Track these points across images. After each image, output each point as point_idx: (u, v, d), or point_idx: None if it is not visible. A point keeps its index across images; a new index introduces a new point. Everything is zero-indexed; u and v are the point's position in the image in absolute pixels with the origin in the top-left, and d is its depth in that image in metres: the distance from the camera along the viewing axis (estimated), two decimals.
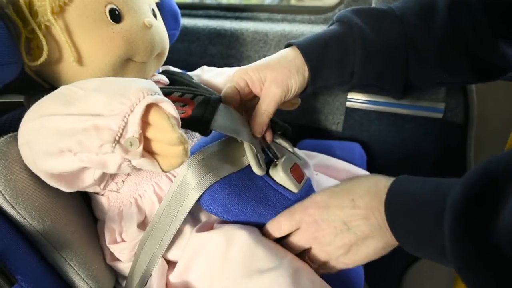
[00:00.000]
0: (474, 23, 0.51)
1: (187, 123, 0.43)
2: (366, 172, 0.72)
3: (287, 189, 0.49)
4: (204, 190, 0.43)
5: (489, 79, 0.59)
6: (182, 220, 0.45)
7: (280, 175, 0.49)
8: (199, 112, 0.45)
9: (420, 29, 0.53)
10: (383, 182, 0.41)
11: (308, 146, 0.81)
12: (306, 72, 0.52)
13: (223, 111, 0.47)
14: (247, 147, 0.47)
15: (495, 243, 0.28)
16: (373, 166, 0.87)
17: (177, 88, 0.50)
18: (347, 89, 0.57)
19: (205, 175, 0.44)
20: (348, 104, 0.87)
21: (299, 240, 0.46)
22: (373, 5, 0.77)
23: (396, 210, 0.38)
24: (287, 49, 0.53)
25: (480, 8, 0.50)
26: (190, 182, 0.44)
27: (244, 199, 0.46)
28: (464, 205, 0.31)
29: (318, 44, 0.53)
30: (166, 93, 0.48)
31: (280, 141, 0.56)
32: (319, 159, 0.72)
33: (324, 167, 0.71)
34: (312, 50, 0.52)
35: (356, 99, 0.86)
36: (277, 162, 0.50)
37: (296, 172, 0.51)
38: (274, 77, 0.50)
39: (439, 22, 0.52)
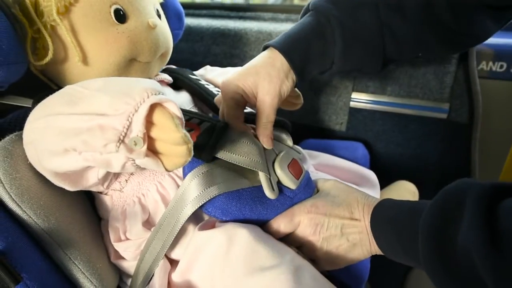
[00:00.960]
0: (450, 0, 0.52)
1: None
2: (369, 172, 0.72)
3: (285, 186, 0.49)
4: (202, 203, 0.44)
5: (465, 49, 0.65)
6: (181, 225, 0.45)
7: (277, 173, 0.49)
8: (204, 139, 0.46)
9: (395, 12, 0.53)
10: (374, 202, 0.47)
11: (311, 145, 0.81)
12: (294, 76, 0.52)
13: (230, 137, 0.48)
14: (260, 170, 0.47)
15: (456, 256, 0.33)
16: (377, 166, 0.87)
17: (185, 112, 0.50)
18: (326, 77, 0.58)
19: (207, 188, 0.44)
20: (352, 104, 0.87)
21: (293, 239, 0.48)
22: None
23: (380, 228, 0.45)
24: (270, 54, 0.52)
25: None
26: (191, 194, 0.44)
27: (242, 201, 0.46)
28: (430, 229, 0.36)
29: (300, 45, 0.52)
30: None
31: (278, 136, 0.56)
32: (322, 158, 0.72)
33: (328, 167, 0.71)
34: (295, 53, 0.51)
35: (360, 99, 0.86)
36: (274, 160, 0.50)
37: (294, 167, 0.51)
38: (267, 89, 0.49)
39: (414, 2, 0.53)
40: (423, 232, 0.37)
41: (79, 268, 0.47)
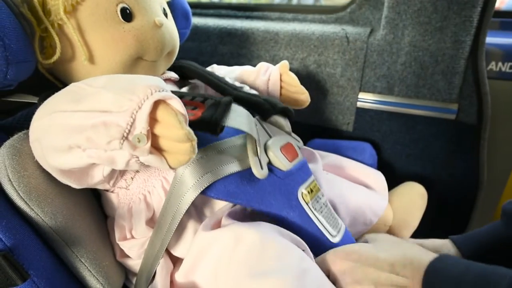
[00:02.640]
0: None
1: (197, 125, 0.43)
2: (377, 172, 0.71)
3: (276, 167, 0.49)
4: (201, 190, 0.43)
5: None
6: (180, 218, 0.44)
7: (268, 153, 0.49)
8: (209, 113, 0.46)
9: None
10: (427, 257, 0.40)
11: (318, 145, 0.80)
12: None
13: (235, 110, 0.48)
14: (249, 149, 0.47)
15: None
16: (384, 167, 0.86)
17: (188, 93, 0.51)
18: None
19: (203, 175, 0.43)
20: (359, 104, 0.87)
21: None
22: (385, 4, 0.76)
23: None
24: None
25: None
26: (188, 182, 0.44)
27: (229, 178, 0.45)
28: None
29: None
30: (178, 96, 0.48)
31: (277, 121, 0.55)
32: (330, 159, 0.72)
33: (335, 167, 0.70)
34: None
35: (367, 99, 0.86)
36: (267, 141, 0.50)
37: (288, 150, 0.51)
38: None
39: None
40: None
41: (85, 266, 0.47)
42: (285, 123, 0.56)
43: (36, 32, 0.45)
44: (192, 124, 0.42)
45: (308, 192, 0.51)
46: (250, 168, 0.47)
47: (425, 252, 0.43)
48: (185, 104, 0.46)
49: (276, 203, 0.48)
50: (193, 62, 0.67)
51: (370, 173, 0.71)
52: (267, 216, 0.50)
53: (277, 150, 0.50)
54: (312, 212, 0.51)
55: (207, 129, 0.44)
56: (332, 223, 0.53)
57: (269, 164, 0.49)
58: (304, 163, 0.53)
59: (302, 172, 0.52)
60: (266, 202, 0.47)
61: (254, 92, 0.60)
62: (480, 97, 0.75)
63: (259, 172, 0.46)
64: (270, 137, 0.52)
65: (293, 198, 0.49)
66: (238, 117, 0.47)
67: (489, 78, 0.75)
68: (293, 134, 0.58)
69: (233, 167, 0.46)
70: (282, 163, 0.49)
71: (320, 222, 0.51)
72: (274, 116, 0.55)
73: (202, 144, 0.45)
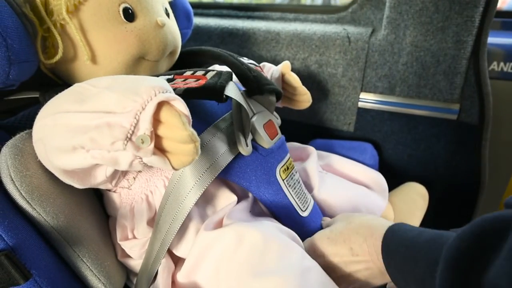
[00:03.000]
0: None
1: (202, 91, 0.44)
2: (378, 174, 0.71)
3: (259, 144, 0.51)
4: (202, 191, 0.44)
5: None
6: (183, 220, 0.45)
7: (252, 130, 0.50)
8: (214, 81, 0.46)
9: None
10: (379, 231, 0.43)
11: (319, 145, 0.80)
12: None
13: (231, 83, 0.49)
14: (236, 128, 0.48)
15: None
16: (385, 167, 0.86)
17: (188, 69, 0.51)
18: None
19: (203, 173, 0.44)
20: (360, 104, 0.87)
21: None
22: (387, 4, 0.76)
23: (392, 256, 0.40)
24: None
25: None
26: (188, 182, 0.44)
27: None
28: (456, 257, 0.31)
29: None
30: (178, 73, 0.49)
31: (262, 99, 0.56)
32: (330, 159, 0.72)
33: (336, 167, 0.70)
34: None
35: (368, 99, 0.86)
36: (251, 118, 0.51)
37: (270, 128, 0.53)
38: None
39: None
40: (446, 259, 0.31)
41: (87, 265, 0.47)
42: (272, 101, 0.57)
43: (38, 32, 0.45)
44: (197, 91, 0.43)
45: (284, 170, 0.53)
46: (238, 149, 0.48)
47: (375, 223, 0.45)
48: (187, 78, 0.46)
49: (256, 179, 0.50)
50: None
51: (370, 174, 0.71)
52: (265, 213, 0.52)
53: (260, 127, 0.51)
54: (287, 188, 0.52)
55: (213, 95, 0.45)
56: (303, 199, 0.55)
57: (253, 141, 0.51)
58: (282, 141, 0.55)
59: (281, 150, 0.54)
60: (247, 177, 0.49)
61: (252, 62, 0.60)
62: (482, 97, 0.75)
63: (244, 149, 0.48)
64: (254, 113, 0.52)
65: (272, 175, 0.51)
66: (234, 89, 0.48)
67: (490, 78, 0.75)
68: (274, 114, 0.59)
69: (227, 157, 0.47)
70: (265, 140, 0.51)
71: (293, 197, 0.53)
72: (262, 96, 0.56)
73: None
